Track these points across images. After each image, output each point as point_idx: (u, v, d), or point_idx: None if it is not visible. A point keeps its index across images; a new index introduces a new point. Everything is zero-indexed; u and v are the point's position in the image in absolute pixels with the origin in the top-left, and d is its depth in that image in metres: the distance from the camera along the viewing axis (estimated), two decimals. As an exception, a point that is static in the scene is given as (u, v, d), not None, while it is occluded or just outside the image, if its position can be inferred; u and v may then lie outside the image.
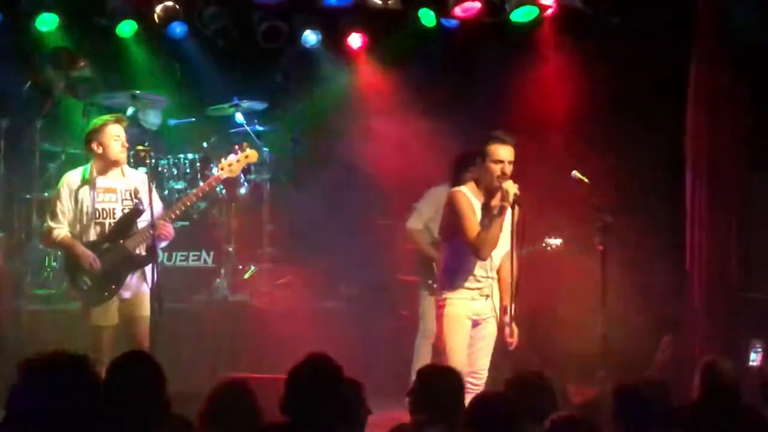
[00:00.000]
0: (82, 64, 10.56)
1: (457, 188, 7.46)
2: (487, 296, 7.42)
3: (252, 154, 8.37)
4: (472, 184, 7.41)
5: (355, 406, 5.00)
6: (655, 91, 10.34)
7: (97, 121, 7.93)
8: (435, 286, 8.78)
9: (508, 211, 7.20)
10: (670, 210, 10.16)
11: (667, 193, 10.24)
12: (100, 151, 7.78)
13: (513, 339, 7.41)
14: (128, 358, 4.95)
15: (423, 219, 9.11)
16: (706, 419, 5.74)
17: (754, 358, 8.95)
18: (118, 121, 7.95)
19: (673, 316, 9.88)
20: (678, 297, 9.88)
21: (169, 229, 7.83)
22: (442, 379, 5.40)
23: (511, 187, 7.10)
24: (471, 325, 7.40)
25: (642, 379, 5.48)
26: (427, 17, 10.76)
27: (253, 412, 5.09)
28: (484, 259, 7.28)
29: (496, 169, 7.20)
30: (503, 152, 7.22)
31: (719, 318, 9.55)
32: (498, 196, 7.22)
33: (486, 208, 7.29)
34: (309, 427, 4.60)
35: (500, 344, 7.48)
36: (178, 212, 7.93)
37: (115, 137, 7.78)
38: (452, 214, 7.39)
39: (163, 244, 8.06)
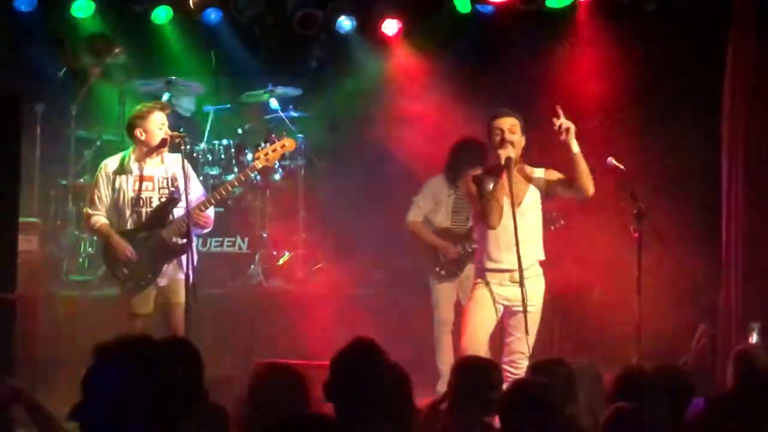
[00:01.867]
0: (117, 50, 10.56)
1: (472, 173, 7.52)
2: (519, 283, 7.35)
3: (289, 143, 8.37)
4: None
5: (400, 400, 4.79)
6: (691, 76, 10.28)
7: (142, 107, 7.92)
8: (443, 273, 9.15)
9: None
10: (707, 196, 10.09)
11: (704, 179, 10.16)
12: (143, 137, 7.79)
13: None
14: (171, 343, 4.94)
15: (422, 212, 9.34)
16: (741, 408, 5.70)
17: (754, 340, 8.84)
18: (162, 108, 7.95)
19: (710, 304, 9.81)
20: (714, 285, 9.80)
21: (206, 219, 7.84)
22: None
23: (504, 152, 7.24)
24: (503, 312, 7.37)
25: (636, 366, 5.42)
26: (463, 3, 10.72)
27: (302, 398, 4.91)
28: (493, 228, 7.29)
29: (496, 139, 7.35)
30: (499, 122, 7.38)
31: (755, 307, 9.47)
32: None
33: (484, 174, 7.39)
34: (351, 416, 4.48)
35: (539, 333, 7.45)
36: (213, 201, 7.94)
37: (160, 125, 7.79)
38: (470, 199, 7.55)
39: (203, 231, 8.08)
